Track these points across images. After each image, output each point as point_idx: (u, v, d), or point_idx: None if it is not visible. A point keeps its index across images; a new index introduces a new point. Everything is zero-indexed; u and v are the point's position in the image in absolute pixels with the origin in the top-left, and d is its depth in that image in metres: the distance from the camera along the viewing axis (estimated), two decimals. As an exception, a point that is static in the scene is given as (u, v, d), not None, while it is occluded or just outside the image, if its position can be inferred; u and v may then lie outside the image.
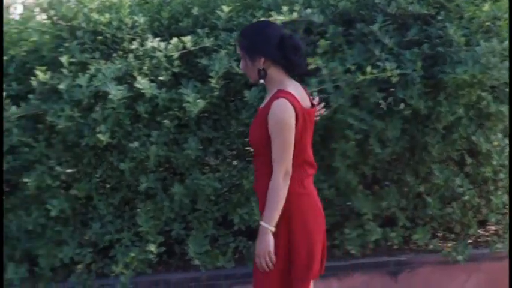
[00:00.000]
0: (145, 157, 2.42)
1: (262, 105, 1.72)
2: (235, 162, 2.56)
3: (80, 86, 2.36)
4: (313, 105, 1.76)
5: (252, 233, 2.63)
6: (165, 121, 2.43)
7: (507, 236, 2.53)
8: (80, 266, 2.50)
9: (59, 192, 2.47)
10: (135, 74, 2.39)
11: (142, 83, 2.37)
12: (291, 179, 1.64)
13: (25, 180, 2.41)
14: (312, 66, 2.24)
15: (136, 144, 2.42)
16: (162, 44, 2.40)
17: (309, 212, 1.69)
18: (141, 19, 2.48)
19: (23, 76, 2.50)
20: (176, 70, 2.43)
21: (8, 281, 2.44)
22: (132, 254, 2.48)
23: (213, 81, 2.37)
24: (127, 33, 2.48)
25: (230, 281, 2.54)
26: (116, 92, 2.31)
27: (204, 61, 2.41)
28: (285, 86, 1.68)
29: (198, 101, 2.34)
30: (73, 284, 2.46)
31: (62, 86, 2.37)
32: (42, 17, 2.46)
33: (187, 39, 2.42)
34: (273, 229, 1.63)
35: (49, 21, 2.49)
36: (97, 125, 2.36)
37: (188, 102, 2.32)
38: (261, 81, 1.68)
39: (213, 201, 2.50)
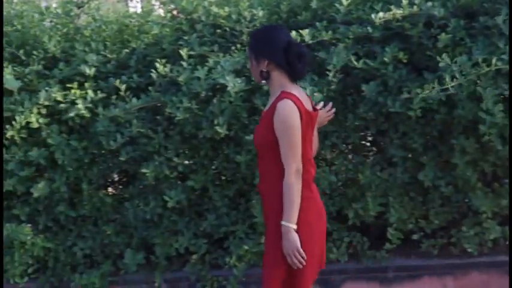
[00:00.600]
0: (261, 150, 3.36)
1: (266, 108, 2.37)
2: (350, 156, 3.49)
3: (199, 78, 3.33)
4: (315, 109, 2.43)
5: (366, 228, 3.57)
6: (282, 114, 3.35)
7: None
8: (194, 257, 3.42)
9: (176, 183, 3.40)
10: (253, 67, 3.33)
11: (259, 76, 3.31)
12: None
13: (143, 170, 3.39)
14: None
15: (252, 137, 3.37)
16: (280, 38, 3.33)
17: (314, 215, 2.34)
18: (259, 12, 3.42)
19: (144, 68, 3.50)
20: (294, 63, 3.35)
21: (126, 265, 3.48)
22: (246, 247, 3.43)
23: (331, 74, 3.28)
24: (246, 26, 3.43)
25: (343, 276, 3.38)
26: (234, 85, 3.26)
27: (321, 54, 3.32)
28: (288, 88, 2.32)
29: (315, 94, 3.26)
30: (187, 274, 3.40)
31: (181, 79, 3.34)
32: (162, 11, 3.46)
33: (306, 32, 3.32)
34: (295, 226, 2.24)
35: (169, 14, 3.50)
36: (215, 118, 3.33)
37: (305, 95, 3.25)
38: (263, 82, 2.38)
39: (328, 195, 3.35)
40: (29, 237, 3.34)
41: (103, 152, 3.39)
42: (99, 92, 3.29)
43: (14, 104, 3.31)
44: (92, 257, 3.48)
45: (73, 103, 3.28)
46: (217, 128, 3.18)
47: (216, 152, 3.37)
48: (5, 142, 3.35)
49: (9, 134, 3.29)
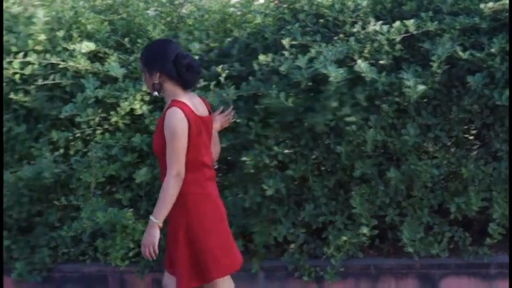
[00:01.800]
0: (362, 141, 4.02)
1: (162, 115, 2.98)
2: (453, 150, 4.08)
3: (300, 68, 4.02)
4: (210, 113, 3.12)
5: (468, 223, 4.16)
6: (384, 105, 3.99)
7: None
8: (292, 246, 4.08)
9: (275, 172, 4.12)
10: (356, 57, 3.97)
11: (362, 66, 3.93)
12: (189, 181, 2.98)
13: (243, 158, 4.11)
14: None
15: (353, 127, 4.03)
16: (385, 28, 3.93)
17: (207, 211, 3.06)
18: (363, 2, 4.03)
19: (246, 57, 4.25)
20: (397, 54, 3.93)
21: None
22: (345, 237, 4.09)
23: (435, 65, 3.86)
24: (349, 16, 4.06)
25: (443, 271, 3.90)
26: (336, 74, 3.91)
27: (426, 45, 3.88)
28: (179, 97, 2.99)
29: (419, 86, 3.84)
30: (285, 263, 4.02)
31: (282, 68, 4.03)
32: (263, 0, 4.16)
33: (410, 22, 3.89)
34: (161, 224, 2.96)
35: (272, 4, 4.19)
36: (317, 108, 3.99)
37: (408, 87, 3.82)
38: (155, 93, 3.04)
39: (429, 188, 3.88)
40: (130, 222, 4.10)
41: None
42: (201, 80, 4.03)
43: (119, 90, 4.09)
44: None
45: None
46: (318, 119, 3.86)
47: (316, 142, 4.04)
48: (109, 128, 4.14)
49: (113, 119, 4.06)
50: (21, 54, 4.15)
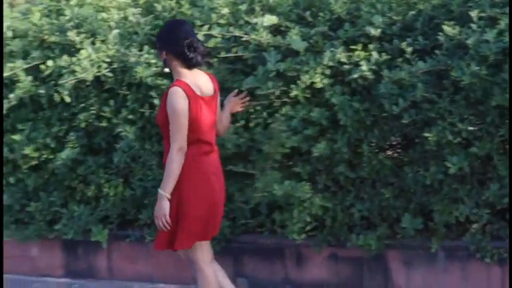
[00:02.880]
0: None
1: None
2: None
3: (487, 41, 4.54)
4: (216, 91, 4.07)
5: None
6: None
7: None
8: (475, 226, 4.46)
9: (459, 149, 4.51)
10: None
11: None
12: (187, 155, 3.87)
13: (426, 135, 4.68)
14: None
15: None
16: None
17: (199, 182, 4.02)
18: None
19: (430, 31, 4.76)
20: None
21: (403, 229, 4.59)
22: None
23: None
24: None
25: None
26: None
27: None
28: (182, 76, 3.92)
29: None
30: (466, 243, 4.44)
31: (469, 42, 4.55)
32: None
33: None
34: (169, 196, 3.89)
35: None
36: (506, 84, 4.47)
37: None
38: (166, 69, 4.03)
39: None
40: (308, 196, 4.83)
41: (384, 114, 4.73)
42: (383, 54, 4.65)
43: (299, 64, 4.80)
44: (369, 219, 4.75)
45: (357, 65, 4.53)
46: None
47: (503, 119, 4.55)
48: (289, 101, 4.91)
49: (293, 93, 4.80)
50: (205, 28, 4.99)
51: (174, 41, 3.93)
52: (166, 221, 3.91)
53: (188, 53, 3.91)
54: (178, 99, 3.84)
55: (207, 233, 4.13)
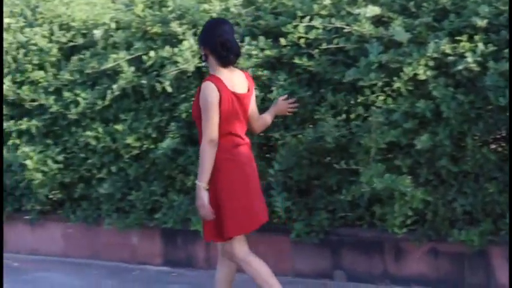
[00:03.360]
0: None
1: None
2: None
3: None
4: (249, 90, 4.33)
5: None
6: None
7: None
8: None
9: None
10: None
11: None
12: (218, 148, 4.15)
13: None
14: None
15: None
16: None
17: (232, 173, 4.26)
18: None
19: None
20: None
21: (507, 225, 4.57)
22: None
23: None
24: None
25: None
26: None
27: None
28: (217, 72, 4.21)
29: None
30: None
31: None
32: None
33: None
34: (206, 186, 4.16)
35: None
36: None
37: None
38: (204, 63, 4.53)
39: None
40: (409, 189, 4.91)
41: (490, 107, 4.79)
42: (489, 45, 4.69)
43: (402, 55, 4.88)
44: (472, 214, 4.83)
45: (462, 56, 4.59)
46: None
47: None
48: (391, 93, 5.01)
49: (396, 85, 4.89)
50: (306, 19, 5.14)
51: (211, 39, 4.23)
52: (207, 209, 4.20)
53: (222, 52, 4.21)
54: (210, 93, 4.13)
55: (251, 223, 4.38)
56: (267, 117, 4.64)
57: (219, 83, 4.15)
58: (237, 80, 4.31)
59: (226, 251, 4.37)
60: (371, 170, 4.83)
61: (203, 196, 4.17)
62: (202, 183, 4.17)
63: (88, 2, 6.75)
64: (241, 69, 4.59)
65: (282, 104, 4.73)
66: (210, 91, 4.14)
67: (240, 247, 4.36)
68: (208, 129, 4.12)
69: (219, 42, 4.19)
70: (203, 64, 4.46)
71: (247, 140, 4.37)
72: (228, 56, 4.23)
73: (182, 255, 6.05)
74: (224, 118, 4.16)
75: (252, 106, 4.44)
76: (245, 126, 4.37)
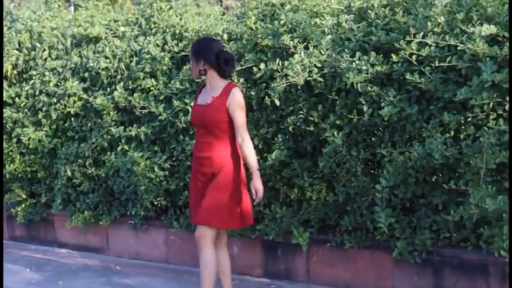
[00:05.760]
0: None
1: (216, 95, 4.97)
2: None
3: None
4: None
5: None
6: None
7: None
8: None
9: None
10: None
11: None
12: (236, 146, 5.00)
13: None
14: None
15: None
16: None
17: (242, 173, 5.12)
18: None
19: None
20: None
21: None
22: None
23: None
24: None
25: None
26: None
27: None
28: (224, 82, 4.94)
29: None
30: None
31: None
32: None
33: None
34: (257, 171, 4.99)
35: None
36: None
37: None
38: (203, 77, 5.02)
39: None
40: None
41: None
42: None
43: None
44: None
45: None
46: None
47: None
48: (503, 113, 5.00)
49: (507, 105, 4.92)
50: (419, 36, 5.21)
51: (212, 53, 4.91)
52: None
53: (224, 65, 4.92)
54: (243, 97, 4.99)
55: (236, 223, 5.16)
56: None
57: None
58: None
59: (202, 234, 5.03)
60: (481, 191, 4.81)
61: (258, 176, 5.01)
62: (256, 169, 5.05)
63: (201, 13, 6.99)
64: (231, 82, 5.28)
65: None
66: (242, 95, 5.02)
67: (209, 234, 5.03)
68: (246, 127, 5.09)
69: (222, 57, 4.92)
70: (197, 77, 5.17)
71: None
72: (229, 69, 5.02)
73: (282, 267, 6.18)
74: (232, 122, 5.02)
75: None
76: None
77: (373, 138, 5.43)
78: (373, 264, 5.59)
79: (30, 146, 7.53)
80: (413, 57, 5.14)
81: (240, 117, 4.92)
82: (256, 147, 5.81)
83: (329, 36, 5.52)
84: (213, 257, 4.95)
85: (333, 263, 5.86)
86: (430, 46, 5.11)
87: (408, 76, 5.12)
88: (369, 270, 5.58)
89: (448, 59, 5.06)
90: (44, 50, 7.83)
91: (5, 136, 7.94)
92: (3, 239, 8.28)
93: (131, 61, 6.88)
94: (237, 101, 4.91)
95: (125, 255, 7.26)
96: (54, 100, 7.42)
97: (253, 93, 5.82)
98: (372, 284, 5.52)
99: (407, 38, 5.12)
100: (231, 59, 4.96)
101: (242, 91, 4.95)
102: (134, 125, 6.61)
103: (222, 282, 5.20)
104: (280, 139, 5.72)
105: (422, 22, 5.21)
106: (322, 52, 5.44)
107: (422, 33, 5.13)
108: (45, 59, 7.81)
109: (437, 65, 5.08)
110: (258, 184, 4.98)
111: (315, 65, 5.43)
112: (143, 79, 6.68)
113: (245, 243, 6.29)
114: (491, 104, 4.85)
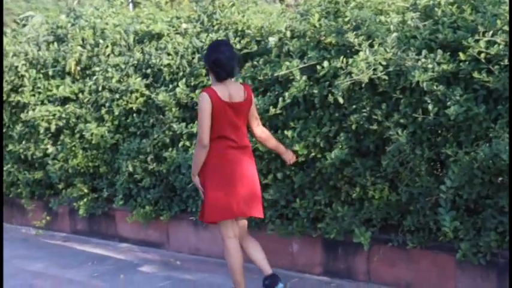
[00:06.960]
0: None
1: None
2: None
3: None
4: (246, 99, 5.23)
5: None
6: None
7: None
8: None
9: None
10: None
11: None
12: (212, 148, 5.12)
13: None
14: None
15: None
16: None
17: (217, 169, 5.21)
18: None
19: None
20: None
21: None
22: None
23: None
24: None
25: None
26: None
27: None
28: (214, 85, 5.16)
29: None
30: None
31: None
32: None
33: None
34: (196, 177, 5.31)
35: None
36: None
37: None
38: (207, 77, 5.99)
39: None
40: None
41: None
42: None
43: None
44: None
45: None
46: None
47: None
48: None
49: None
50: (488, 34, 5.10)
51: (210, 57, 5.16)
52: (200, 189, 5.42)
53: (216, 68, 5.14)
54: (202, 102, 5.08)
55: (223, 213, 5.29)
56: (272, 142, 5.76)
57: (212, 94, 5.07)
58: (233, 91, 5.20)
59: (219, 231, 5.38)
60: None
61: (196, 181, 5.39)
62: (193, 174, 5.39)
63: (263, 10, 6.98)
64: (242, 82, 5.69)
65: (286, 158, 5.85)
66: (202, 101, 5.13)
67: (224, 230, 5.42)
68: (199, 133, 5.10)
69: (212, 61, 5.12)
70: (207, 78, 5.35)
71: (244, 143, 5.32)
72: (221, 74, 5.15)
73: (342, 266, 6.14)
74: (216, 124, 5.09)
75: (252, 113, 5.40)
76: (240, 130, 5.28)
77: (438, 138, 5.31)
78: (436, 265, 5.51)
79: (93, 142, 7.61)
80: (482, 55, 5.03)
81: (198, 121, 5.25)
82: (318, 145, 5.79)
83: (394, 34, 5.45)
84: (232, 247, 5.47)
85: (394, 262, 5.79)
86: (499, 44, 4.98)
87: (476, 75, 5.02)
88: (431, 271, 5.50)
89: (519, 57, 4.92)
90: (107, 46, 7.91)
91: (68, 131, 8.06)
92: (68, 232, 8.38)
93: (193, 58, 6.90)
94: (198, 106, 5.26)
95: (184, 250, 7.30)
96: (117, 96, 7.49)
97: (315, 91, 5.79)
98: (434, 285, 5.45)
99: (476, 37, 5.00)
100: (223, 63, 5.19)
101: (211, 95, 5.20)
102: (196, 122, 6.58)
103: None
104: (342, 137, 5.65)
105: (491, 20, 5.10)
106: (388, 50, 5.36)
107: (491, 32, 4.99)
108: (108, 56, 7.89)
109: (506, 63, 4.94)
110: (199, 186, 5.43)
111: (380, 63, 5.36)
112: (205, 76, 6.67)
113: (306, 241, 6.27)
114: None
